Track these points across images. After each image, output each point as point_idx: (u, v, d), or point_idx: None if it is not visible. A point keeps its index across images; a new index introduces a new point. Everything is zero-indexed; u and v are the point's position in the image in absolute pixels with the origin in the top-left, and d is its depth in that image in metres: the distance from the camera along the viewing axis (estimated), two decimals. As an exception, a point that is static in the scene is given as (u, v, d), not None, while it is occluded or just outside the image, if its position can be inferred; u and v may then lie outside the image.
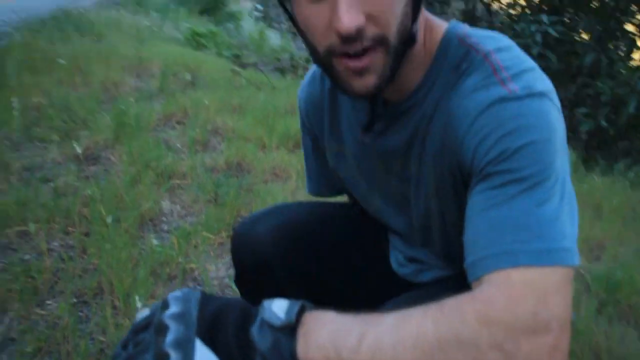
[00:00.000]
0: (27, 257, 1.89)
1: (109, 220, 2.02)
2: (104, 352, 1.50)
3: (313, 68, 0.98)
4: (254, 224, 1.07)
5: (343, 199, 1.18)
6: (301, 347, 0.56)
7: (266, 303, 0.59)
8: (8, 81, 3.67)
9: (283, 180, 2.69)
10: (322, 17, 0.65)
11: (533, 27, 2.98)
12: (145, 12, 8.50)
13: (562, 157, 0.67)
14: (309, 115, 1.01)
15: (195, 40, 6.40)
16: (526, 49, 3.22)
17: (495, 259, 0.60)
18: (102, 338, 1.54)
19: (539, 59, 3.10)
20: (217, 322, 0.58)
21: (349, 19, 0.62)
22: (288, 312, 0.57)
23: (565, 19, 3.24)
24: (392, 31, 0.67)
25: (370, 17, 0.64)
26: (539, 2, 3.58)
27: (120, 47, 4.91)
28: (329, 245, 1.09)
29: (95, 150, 2.81)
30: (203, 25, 8.39)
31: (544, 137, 0.65)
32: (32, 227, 1.99)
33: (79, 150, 2.64)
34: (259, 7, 14.10)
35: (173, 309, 0.57)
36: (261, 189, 2.52)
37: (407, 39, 0.70)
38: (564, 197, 0.65)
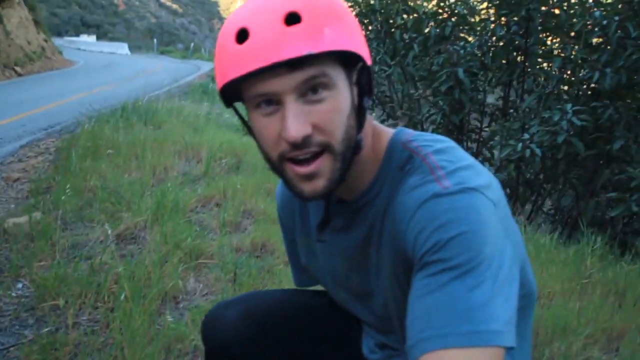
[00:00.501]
0: (55, 329, 2.06)
1: (132, 297, 2.17)
2: None
3: None
4: (224, 309, 1.13)
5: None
6: None
7: None
8: (70, 166, 4.07)
9: (304, 262, 2.77)
10: (274, 128, 0.76)
11: (557, 116, 3.05)
12: (209, 100, 9.18)
13: (495, 245, 0.73)
14: (284, 210, 1.11)
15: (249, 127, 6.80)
16: (554, 135, 3.27)
17: (428, 342, 0.68)
18: (109, 411, 1.64)
19: (567, 146, 3.13)
20: None
21: (296, 129, 0.73)
22: None
23: (594, 106, 3.29)
24: (337, 139, 0.77)
25: (316, 127, 0.75)
26: (569, 89, 3.66)
27: (175, 134, 5.33)
28: (297, 333, 1.14)
29: (134, 230, 3.04)
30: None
31: (473, 229, 0.72)
32: (61, 302, 2.17)
33: (110, 231, 2.87)
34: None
35: None
36: (281, 270, 2.61)
37: (353, 146, 0.80)
38: (497, 281, 0.70)
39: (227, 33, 0.76)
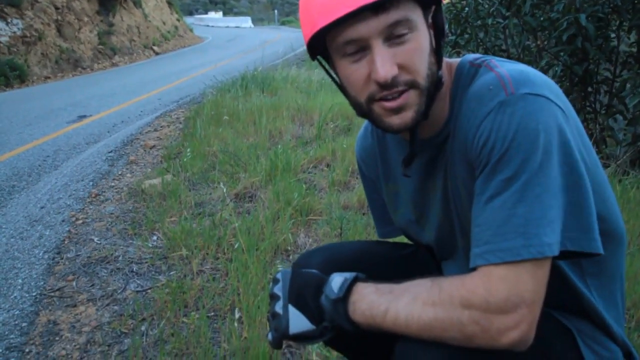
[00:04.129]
0: (183, 276, 2.33)
1: (247, 249, 2.37)
2: (226, 358, 1.78)
3: (365, 124, 1.12)
4: (308, 257, 1.19)
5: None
6: (351, 311, 0.84)
7: (330, 278, 0.89)
8: (196, 133, 4.43)
9: (409, 219, 2.80)
10: (362, 72, 0.81)
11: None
12: (323, 66, 9.33)
13: (562, 155, 0.75)
14: (364, 162, 1.15)
15: (362, 90, 6.83)
16: None
17: (484, 257, 0.75)
18: (226, 346, 1.84)
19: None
20: (300, 295, 0.90)
21: (385, 70, 0.78)
22: (341, 288, 0.85)
23: None
24: (422, 76, 0.81)
25: (402, 67, 0.80)
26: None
27: (290, 100, 5.54)
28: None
29: (250, 189, 3.27)
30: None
31: (537, 139, 0.74)
32: (184, 252, 2.44)
33: (228, 191, 3.10)
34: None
35: (276, 285, 0.94)
36: (386, 226, 2.66)
37: (436, 81, 0.84)
38: (556, 192, 0.74)
39: None
